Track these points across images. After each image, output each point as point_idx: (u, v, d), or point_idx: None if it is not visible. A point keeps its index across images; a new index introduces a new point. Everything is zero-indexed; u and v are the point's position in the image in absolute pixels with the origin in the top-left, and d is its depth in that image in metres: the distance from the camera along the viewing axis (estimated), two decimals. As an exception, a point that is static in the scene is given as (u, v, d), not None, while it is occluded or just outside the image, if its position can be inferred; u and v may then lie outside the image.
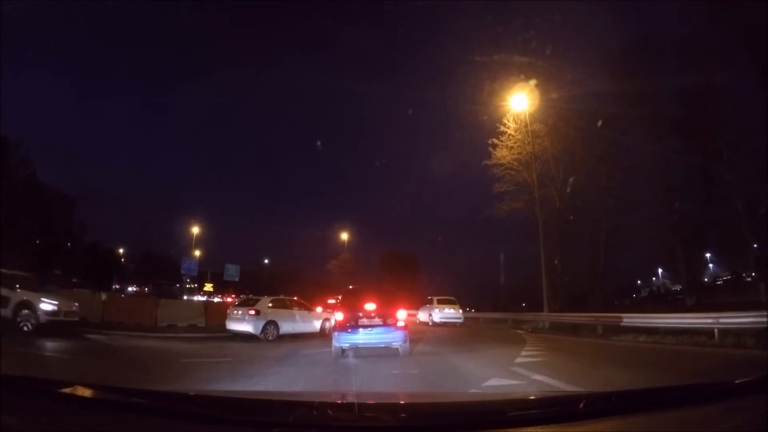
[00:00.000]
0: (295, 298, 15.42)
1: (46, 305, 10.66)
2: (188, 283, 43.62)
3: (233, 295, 45.33)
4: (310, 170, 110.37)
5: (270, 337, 12.75)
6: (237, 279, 44.17)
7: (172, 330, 14.39)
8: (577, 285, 24.75)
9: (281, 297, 15.04)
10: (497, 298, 37.36)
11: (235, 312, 13.51)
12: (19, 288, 10.77)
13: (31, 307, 10.46)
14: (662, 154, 20.40)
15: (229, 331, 13.35)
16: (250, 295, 16.94)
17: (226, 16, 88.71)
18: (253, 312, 12.99)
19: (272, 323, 13.05)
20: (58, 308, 10.85)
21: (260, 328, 12.76)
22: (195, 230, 41.00)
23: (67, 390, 1.63)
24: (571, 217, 23.44)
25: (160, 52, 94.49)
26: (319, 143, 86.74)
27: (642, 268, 39.90)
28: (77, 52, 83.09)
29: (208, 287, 44.62)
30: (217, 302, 29.97)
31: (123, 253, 53.25)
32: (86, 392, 1.67)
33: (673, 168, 20.09)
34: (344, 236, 43.26)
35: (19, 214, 30.97)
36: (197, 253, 42.54)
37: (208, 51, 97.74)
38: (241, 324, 13.02)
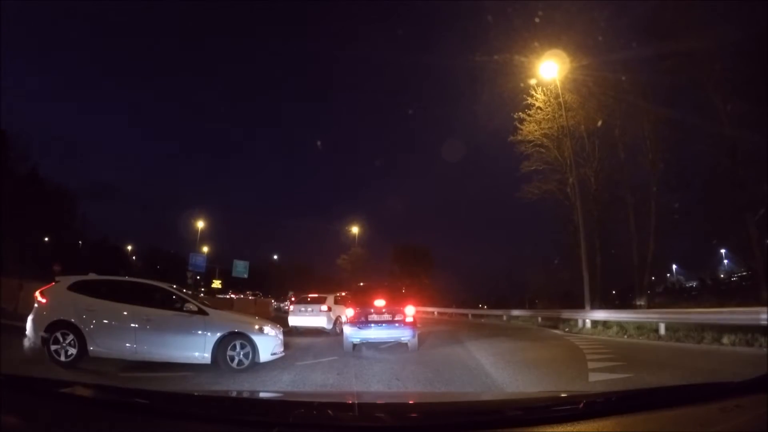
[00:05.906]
0: (344, 293, 15.37)
1: (272, 329, 7.18)
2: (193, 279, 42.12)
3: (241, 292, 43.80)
4: (320, 163, 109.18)
5: (338, 330, 12.80)
6: (246, 276, 42.83)
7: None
8: (614, 278, 21.93)
9: (339, 294, 15.26)
10: (522, 296, 35.21)
11: (302, 309, 14.08)
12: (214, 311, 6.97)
13: (247, 338, 6.60)
14: (723, 122, 17.32)
15: (293, 327, 13.75)
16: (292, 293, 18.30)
17: (237, 15, 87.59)
18: (326, 308, 13.79)
19: (338, 318, 13.44)
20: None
21: (332, 322, 13.53)
22: (203, 225, 39.45)
23: (67, 390, 1.61)
24: (609, 200, 20.57)
25: (169, 48, 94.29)
26: (318, 143, 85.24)
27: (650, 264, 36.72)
28: (86, 48, 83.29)
29: (217, 284, 43.27)
30: (264, 299, 31.83)
31: (131, 249, 52.32)
32: (86, 392, 1.68)
33: (738, 139, 16.99)
34: (355, 230, 42.07)
35: (19, 208, 30.02)
36: (205, 249, 41.12)
37: (223, 43, 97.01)
38: (313, 320, 13.75)
